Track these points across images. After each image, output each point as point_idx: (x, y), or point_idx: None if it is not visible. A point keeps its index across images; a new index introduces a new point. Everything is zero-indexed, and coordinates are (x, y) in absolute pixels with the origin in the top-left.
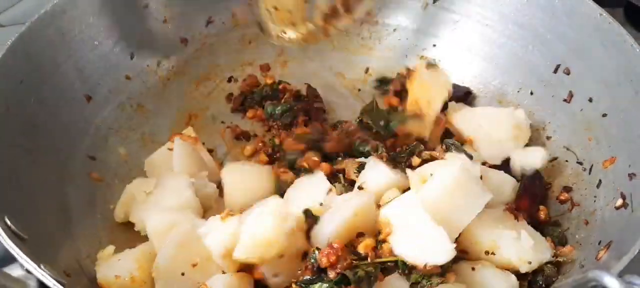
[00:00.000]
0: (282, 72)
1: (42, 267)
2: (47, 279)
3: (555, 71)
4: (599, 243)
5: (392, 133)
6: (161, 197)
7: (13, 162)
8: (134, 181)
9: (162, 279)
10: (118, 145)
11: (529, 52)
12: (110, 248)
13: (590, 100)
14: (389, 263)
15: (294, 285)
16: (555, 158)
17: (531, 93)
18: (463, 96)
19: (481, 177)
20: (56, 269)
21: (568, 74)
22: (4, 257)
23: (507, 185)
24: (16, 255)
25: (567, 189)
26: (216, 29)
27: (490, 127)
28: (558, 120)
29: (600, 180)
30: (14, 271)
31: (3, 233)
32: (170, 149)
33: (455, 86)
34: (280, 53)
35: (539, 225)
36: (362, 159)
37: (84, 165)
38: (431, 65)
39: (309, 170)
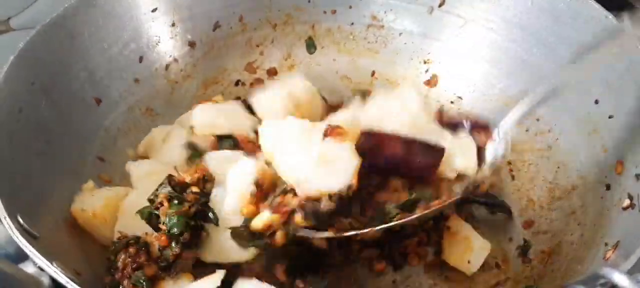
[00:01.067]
0: (288, 74)
1: (54, 264)
2: (60, 276)
3: None
4: (606, 245)
5: None
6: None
7: (26, 162)
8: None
9: (125, 216)
10: (127, 147)
11: (534, 55)
12: (90, 183)
13: (596, 102)
14: None
15: None
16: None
17: None
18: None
19: None
20: (67, 267)
21: None
22: (17, 255)
23: None
24: (29, 253)
25: (573, 190)
26: (223, 33)
27: None
28: (564, 123)
29: (608, 185)
30: (27, 268)
31: (16, 231)
32: None
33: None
34: (286, 57)
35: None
36: None
37: (93, 167)
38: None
39: None
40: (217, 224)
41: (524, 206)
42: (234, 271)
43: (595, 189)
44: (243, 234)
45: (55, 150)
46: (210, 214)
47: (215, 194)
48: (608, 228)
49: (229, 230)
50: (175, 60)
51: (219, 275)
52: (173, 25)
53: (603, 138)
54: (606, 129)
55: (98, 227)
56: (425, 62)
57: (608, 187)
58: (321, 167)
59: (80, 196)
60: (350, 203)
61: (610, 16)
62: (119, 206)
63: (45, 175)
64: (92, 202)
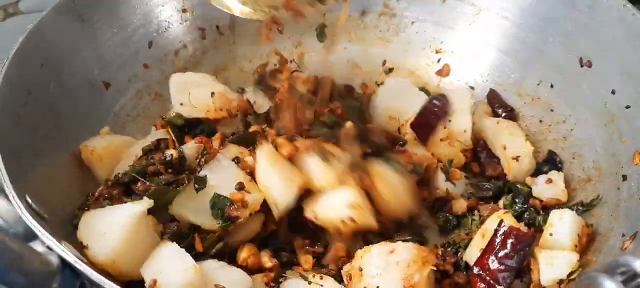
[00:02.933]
0: (298, 63)
1: (63, 244)
2: (69, 256)
3: (581, 65)
4: (623, 235)
5: None
6: None
7: (35, 144)
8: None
9: (126, 161)
10: (135, 133)
11: (549, 44)
12: (107, 128)
13: (613, 92)
14: None
15: None
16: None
17: (551, 86)
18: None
19: None
20: (76, 248)
21: (590, 66)
22: (25, 234)
23: None
24: (38, 232)
25: (589, 180)
26: (234, 20)
27: None
28: (579, 113)
29: (624, 176)
30: (36, 248)
31: (25, 211)
32: None
33: (497, 98)
34: (297, 45)
35: None
36: None
37: None
38: None
39: None
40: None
41: None
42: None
43: (612, 180)
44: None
45: (64, 133)
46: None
47: None
48: (625, 219)
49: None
50: (185, 46)
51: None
52: (183, 11)
53: (620, 128)
54: (623, 119)
55: (94, 164)
56: (437, 52)
57: (625, 178)
58: None
59: (94, 137)
60: None
61: (629, 5)
62: (122, 152)
63: (54, 157)
64: (97, 142)
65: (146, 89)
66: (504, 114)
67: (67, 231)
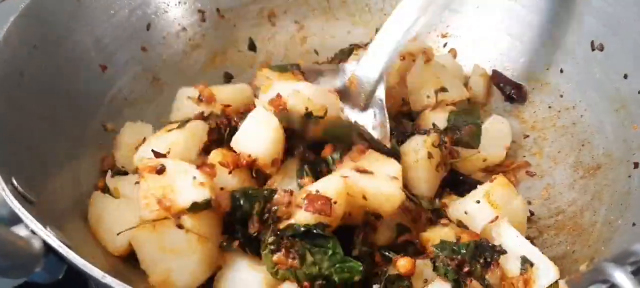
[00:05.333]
0: (301, 48)
1: (48, 228)
2: (52, 240)
3: (593, 49)
4: (634, 225)
5: None
6: None
7: (26, 126)
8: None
9: None
10: (133, 117)
11: (560, 28)
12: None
13: (625, 76)
14: None
15: None
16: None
17: (561, 70)
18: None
19: None
20: (64, 233)
21: (602, 50)
22: (10, 218)
23: None
24: (21, 215)
25: (598, 168)
26: (235, 2)
27: None
28: (590, 99)
29: (636, 163)
30: (20, 231)
31: (9, 194)
32: None
33: (501, 77)
34: (299, 29)
35: None
36: None
37: (97, 135)
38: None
39: None
40: None
41: (545, 185)
42: None
43: (622, 167)
44: None
45: (58, 115)
46: None
47: None
48: (636, 207)
49: None
50: (184, 29)
51: None
52: None
53: (632, 114)
54: (635, 104)
55: None
56: (443, 36)
57: (636, 165)
58: None
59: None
60: None
61: None
62: None
63: (47, 140)
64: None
65: (144, 72)
66: (512, 91)
67: (56, 215)
